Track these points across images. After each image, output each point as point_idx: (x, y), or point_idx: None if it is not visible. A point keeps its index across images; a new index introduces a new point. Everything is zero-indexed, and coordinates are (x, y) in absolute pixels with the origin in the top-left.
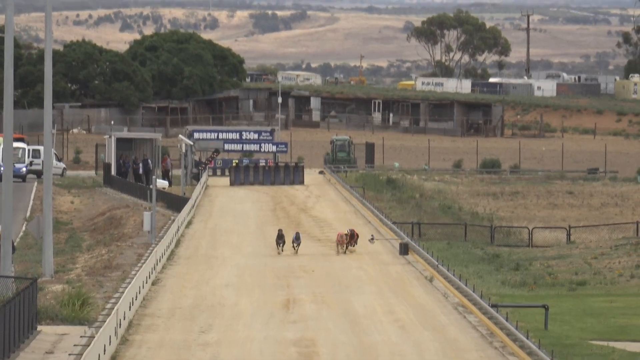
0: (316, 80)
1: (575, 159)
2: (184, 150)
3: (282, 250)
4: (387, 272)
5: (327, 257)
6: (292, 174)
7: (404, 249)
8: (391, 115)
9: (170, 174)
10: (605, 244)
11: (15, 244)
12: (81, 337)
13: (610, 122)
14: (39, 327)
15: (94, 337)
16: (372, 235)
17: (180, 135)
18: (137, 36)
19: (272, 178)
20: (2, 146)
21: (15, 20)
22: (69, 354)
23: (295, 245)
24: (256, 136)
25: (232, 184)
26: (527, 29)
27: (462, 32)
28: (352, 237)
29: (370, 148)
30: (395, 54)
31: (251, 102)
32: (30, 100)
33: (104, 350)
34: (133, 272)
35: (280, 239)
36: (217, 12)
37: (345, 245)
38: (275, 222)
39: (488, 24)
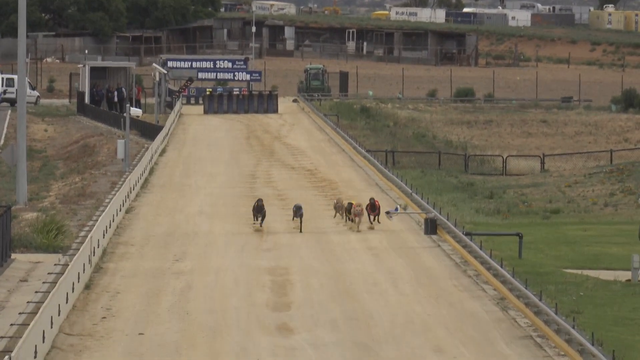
0: (290, 9)
1: (550, 87)
2: (157, 79)
3: (261, 226)
4: (361, 198)
5: (300, 186)
6: (266, 102)
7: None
8: (365, 44)
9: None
10: (579, 172)
11: None
12: (55, 265)
13: (584, 51)
14: (13, 255)
15: (68, 265)
16: (396, 207)
17: (154, 64)
18: None
19: (246, 106)
20: None
21: None
22: (43, 282)
23: (296, 218)
24: (230, 65)
25: (205, 112)
26: None
27: None
28: (373, 209)
29: (344, 77)
30: None
31: (225, 31)
32: (4, 29)
33: (78, 278)
34: (107, 200)
35: (258, 211)
36: None
37: (369, 217)
38: (249, 150)
39: None
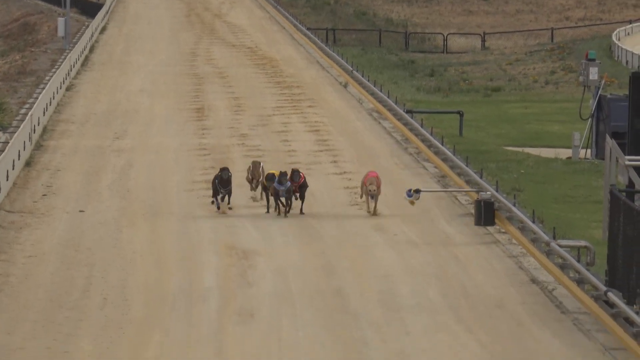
0: None
1: None
2: None
3: (229, 207)
4: (301, 76)
5: (241, 64)
6: None
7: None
8: None
9: None
10: (520, 50)
11: None
12: None
13: None
14: None
15: (8, 142)
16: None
17: None
18: None
19: None
20: None
21: None
22: None
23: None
24: None
25: None
26: None
27: None
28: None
29: None
30: None
31: None
32: None
33: (19, 156)
34: (47, 78)
35: (224, 186)
36: None
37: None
38: (190, 28)
39: None
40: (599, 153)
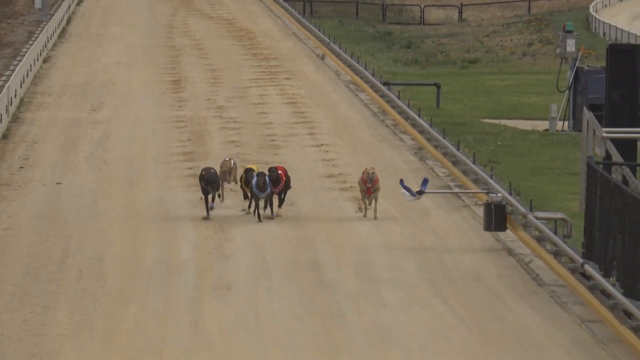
0: None
1: None
2: None
3: (211, 207)
4: (278, 48)
5: (218, 35)
6: None
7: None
8: None
9: None
10: (497, 22)
11: None
12: None
13: None
14: None
15: None
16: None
17: None
18: None
19: None
20: None
21: None
22: None
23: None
24: None
25: None
26: None
27: None
28: (276, 183)
29: None
30: None
31: None
32: None
33: None
34: (24, 50)
35: (207, 183)
36: None
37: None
38: (167, 0)
39: None
40: (576, 125)
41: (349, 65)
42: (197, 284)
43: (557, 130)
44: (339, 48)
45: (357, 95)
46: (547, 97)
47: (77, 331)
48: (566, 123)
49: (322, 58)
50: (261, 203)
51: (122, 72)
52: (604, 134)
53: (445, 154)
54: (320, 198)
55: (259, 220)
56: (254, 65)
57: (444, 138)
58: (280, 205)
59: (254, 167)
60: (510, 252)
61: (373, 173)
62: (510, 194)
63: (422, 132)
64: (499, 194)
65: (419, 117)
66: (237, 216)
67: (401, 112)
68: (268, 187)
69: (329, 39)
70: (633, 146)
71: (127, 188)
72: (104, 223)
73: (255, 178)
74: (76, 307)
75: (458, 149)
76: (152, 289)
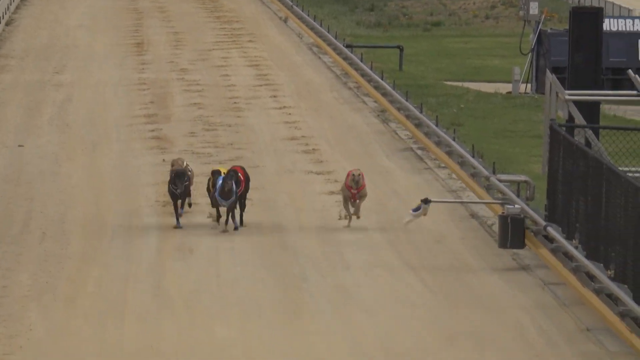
0: None
1: None
2: None
3: (189, 206)
4: (241, 11)
5: (183, 0)
6: None
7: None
8: None
9: None
10: None
11: None
12: None
13: None
14: None
15: None
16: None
17: None
18: None
19: None
20: None
21: None
22: None
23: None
24: None
25: None
26: None
27: None
28: (238, 184)
29: None
30: None
31: None
32: None
33: None
34: None
35: (179, 182)
36: None
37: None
38: None
39: None
40: (539, 88)
41: (312, 28)
42: (160, 246)
43: (520, 93)
44: (302, 11)
45: (320, 57)
46: (510, 59)
47: (40, 293)
48: (529, 86)
49: (285, 21)
50: (222, 211)
51: (84, 35)
52: (567, 97)
53: (408, 117)
54: (282, 161)
55: (225, 229)
56: (217, 28)
57: (406, 100)
58: (242, 212)
59: (221, 169)
60: (473, 214)
61: (359, 175)
62: (473, 156)
63: (385, 94)
64: (516, 206)
65: (382, 79)
66: (200, 181)
67: (364, 75)
68: (233, 195)
69: (291, 2)
70: (596, 109)
71: (90, 150)
72: (67, 185)
73: (220, 182)
74: (39, 270)
75: (421, 112)
76: (114, 251)
